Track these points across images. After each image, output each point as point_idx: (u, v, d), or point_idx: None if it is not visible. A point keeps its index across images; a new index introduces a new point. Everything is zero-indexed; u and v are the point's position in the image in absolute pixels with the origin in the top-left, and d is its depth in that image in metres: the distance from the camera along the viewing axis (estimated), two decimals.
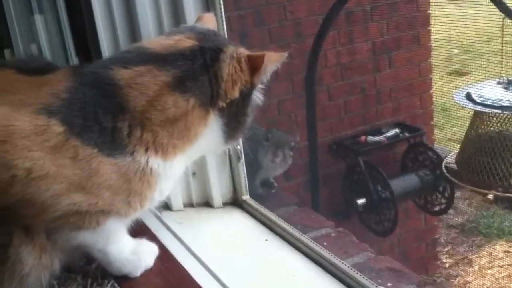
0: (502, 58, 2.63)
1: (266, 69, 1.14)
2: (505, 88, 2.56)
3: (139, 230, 1.36)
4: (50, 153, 0.99)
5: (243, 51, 1.15)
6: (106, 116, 1.04)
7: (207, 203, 1.60)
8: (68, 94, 1.04)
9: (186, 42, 1.12)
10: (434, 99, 4.05)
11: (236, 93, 1.13)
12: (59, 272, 1.16)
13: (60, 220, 1.04)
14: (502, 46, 2.63)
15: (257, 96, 1.19)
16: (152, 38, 1.26)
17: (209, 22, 1.25)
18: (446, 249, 4.18)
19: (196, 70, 1.09)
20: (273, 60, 1.15)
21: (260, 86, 1.18)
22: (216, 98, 1.11)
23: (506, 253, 4.01)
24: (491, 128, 2.62)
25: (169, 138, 1.08)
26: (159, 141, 1.07)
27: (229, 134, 1.17)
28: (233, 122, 1.16)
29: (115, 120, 1.04)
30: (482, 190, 2.67)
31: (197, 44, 1.12)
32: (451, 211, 3.91)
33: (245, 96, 1.15)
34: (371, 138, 3.64)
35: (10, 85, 1.08)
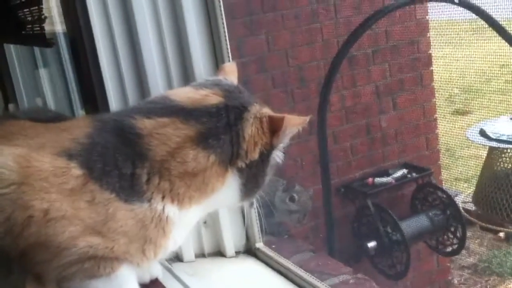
0: None
1: (286, 132, 1.13)
2: None
3: (150, 283, 1.33)
4: (67, 196, 0.98)
5: (266, 111, 1.14)
6: (125, 163, 1.03)
7: (219, 253, 1.56)
8: (89, 139, 1.05)
9: (213, 98, 1.13)
10: (439, 139, 4.05)
11: (256, 155, 1.12)
12: None
13: (74, 266, 1.02)
14: None
15: (277, 155, 1.18)
16: (179, 90, 1.25)
17: (231, 72, 1.25)
18: None
19: (219, 128, 1.09)
20: (293, 124, 1.14)
21: (281, 145, 1.17)
22: (236, 157, 1.11)
23: None
24: (507, 165, 2.59)
25: (186, 189, 1.08)
26: (176, 190, 1.07)
27: (246, 193, 1.16)
28: (251, 182, 1.15)
29: (134, 167, 1.04)
30: (501, 228, 2.62)
31: (222, 102, 1.12)
32: (463, 251, 3.84)
33: (265, 157, 1.14)
34: (379, 180, 3.61)
35: (27, 131, 1.09)
